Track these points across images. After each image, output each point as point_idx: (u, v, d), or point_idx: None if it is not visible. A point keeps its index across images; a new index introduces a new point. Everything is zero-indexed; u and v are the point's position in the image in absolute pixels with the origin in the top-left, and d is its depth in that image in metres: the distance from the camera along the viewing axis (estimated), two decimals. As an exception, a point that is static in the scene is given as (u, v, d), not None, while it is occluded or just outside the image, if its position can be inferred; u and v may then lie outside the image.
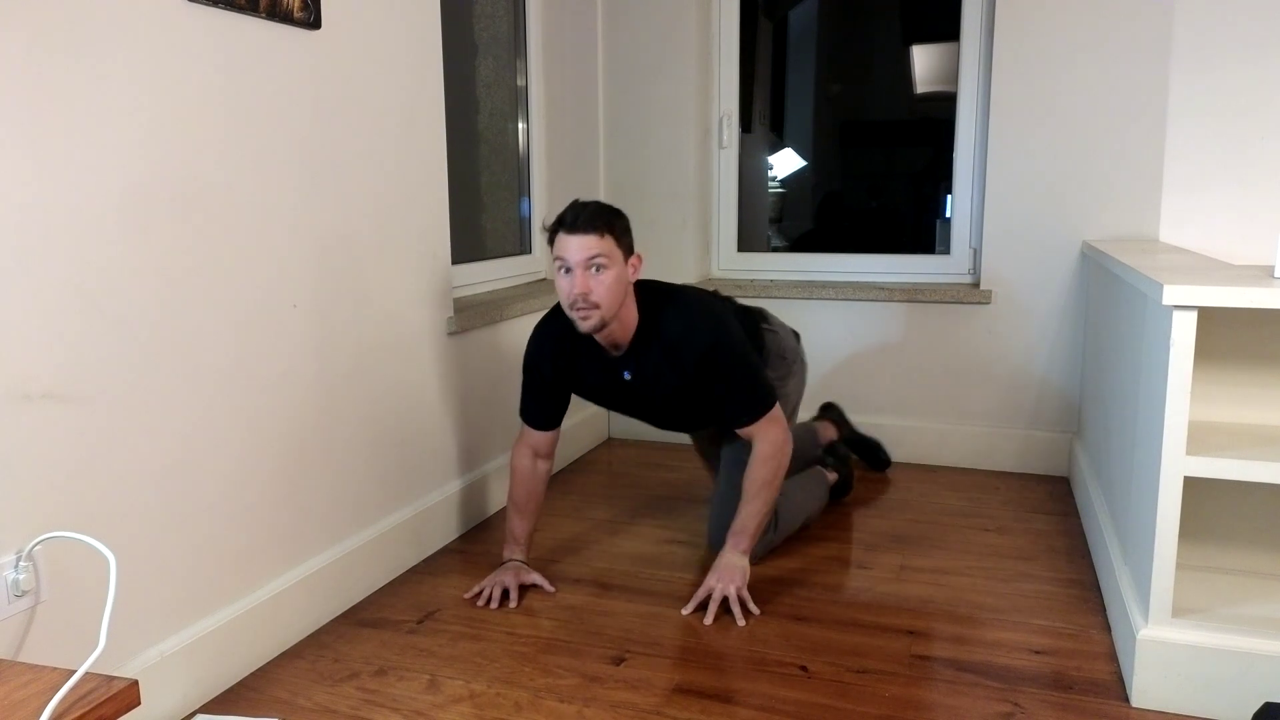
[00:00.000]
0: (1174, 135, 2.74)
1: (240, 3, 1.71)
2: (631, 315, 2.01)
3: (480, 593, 2.13)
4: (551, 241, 1.93)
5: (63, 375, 1.44)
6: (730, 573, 2.05)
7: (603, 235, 1.89)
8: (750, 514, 2.08)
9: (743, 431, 2.10)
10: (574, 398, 2.39)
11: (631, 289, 2.01)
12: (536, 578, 2.17)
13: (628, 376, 2.09)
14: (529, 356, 2.15)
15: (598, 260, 1.88)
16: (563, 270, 1.91)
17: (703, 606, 2.05)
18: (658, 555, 2.38)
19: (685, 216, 3.28)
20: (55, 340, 1.42)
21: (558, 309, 2.09)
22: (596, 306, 1.90)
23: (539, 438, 2.21)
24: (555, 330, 2.10)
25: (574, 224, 1.89)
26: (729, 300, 2.34)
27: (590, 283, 1.88)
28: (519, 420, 2.24)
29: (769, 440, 2.07)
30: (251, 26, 1.76)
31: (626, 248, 1.95)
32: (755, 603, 2.08)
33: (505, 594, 2.12)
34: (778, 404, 2.10)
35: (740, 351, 2.05)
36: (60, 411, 1.44)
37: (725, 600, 2.04)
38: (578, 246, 1.88)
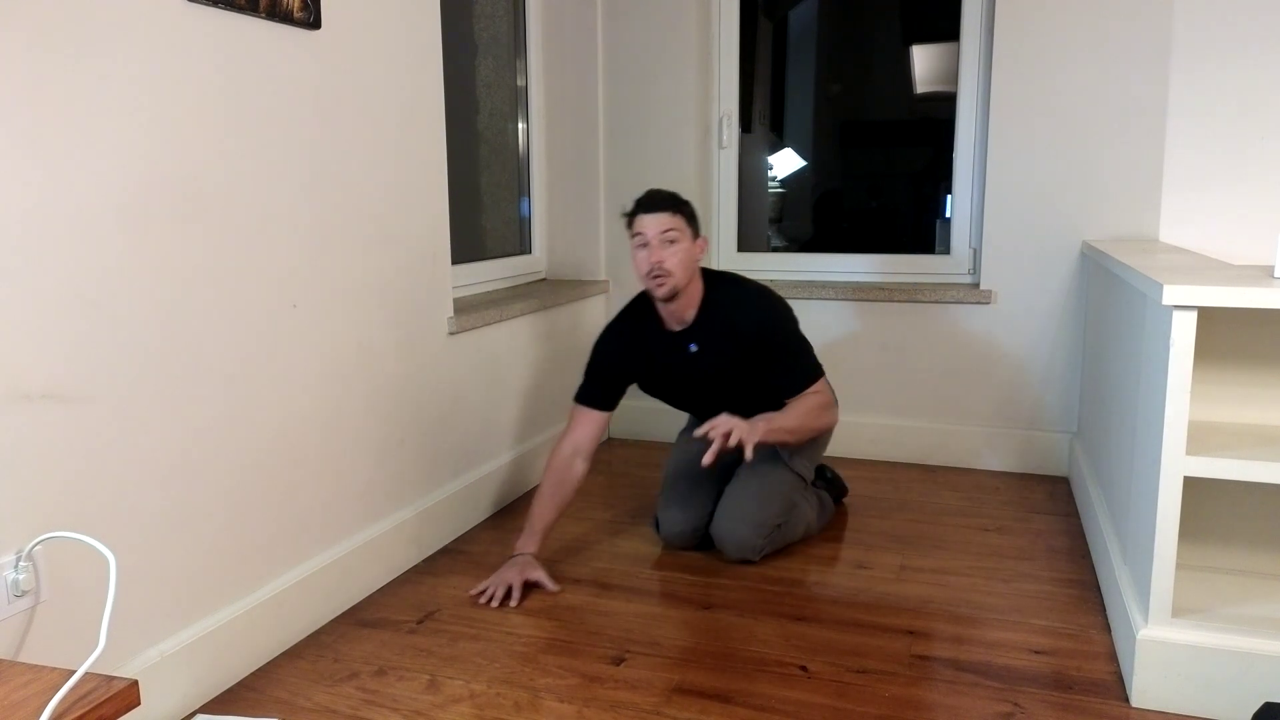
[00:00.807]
0: (1174, 135, 2.74)
1: (240, 3, 1.71)
2: (697, 291, 2.26)
3: (484, 590, 2.14)
4: (630, 224, 2.21)
5: (63, 375, 1.44)
6: (749, 423, 2.13)
7: (674, 214, 2.18)
8: (783, 420, 2.21)
9: (797, 399, 2.29)
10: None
11: (698, 269, 2.25)
12: (541, 575, 2.18)
13: (693, 349, 2.29)
14: (601, 340, 2.38)
15: (670, 234, 2.16)
16: (641, 246, 2.18)
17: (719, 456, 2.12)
18: (658, 555, 2.38)
19: (685, 216, 3.28)
20: (56, 340, 1.43)
21: (629, 304, 2.38)
22: (670, 274, 2.16)
23: (584, 427, 2.32)
24: (631, 313, 2.37)
25: (650, 205, 2.19)
26: None
27: (664, 253, 2.15)
28: (568, 407, 2.42)
29: (822, 399, 2.30)
30: (251, 26, 1.76)
31: (694, 230, 2.22)
32: (755, 602, 2.09)
33: (509, 593, 2.12)
34: (824, 380, 2.32)
35: (791, 329, 2.31)
36: (61, 411, 1.44)
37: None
38: (653, 223, 2.16)
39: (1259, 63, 2.65)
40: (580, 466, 2.30)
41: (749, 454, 2.09)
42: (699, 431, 2.11)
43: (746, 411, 2.32)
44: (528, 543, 2.25)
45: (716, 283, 2.30)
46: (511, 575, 2.15)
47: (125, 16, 1.50)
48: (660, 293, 2.18)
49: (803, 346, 2.32)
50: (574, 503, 2.76)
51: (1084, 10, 2.75)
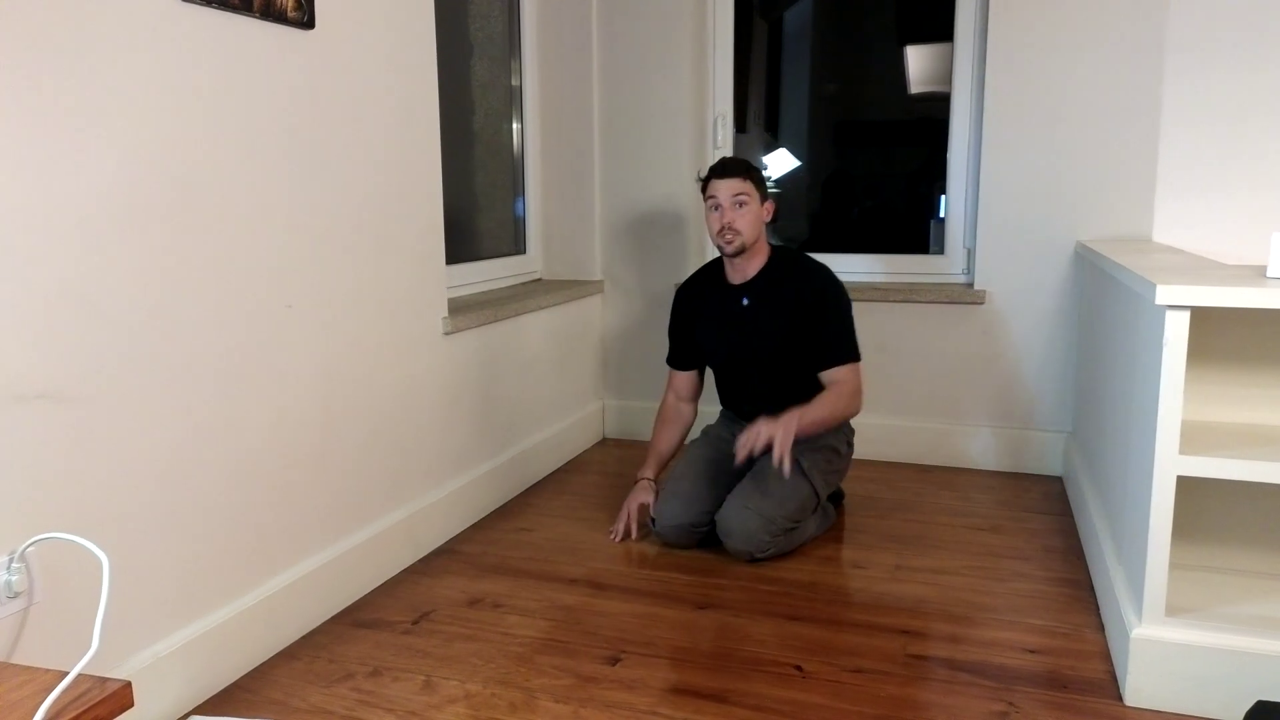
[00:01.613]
0: (1168, 136, 2.75)
1: (234, 2, 1.71)
2: (763, 252, 2.47)
3: (613, 530, 2.49)
4: (704, 187, 2.42)
5: (56, 376, 1.44)
6: (784, 423, 2.22)
7: (745, 179, 2.37)
8: (814, 410, 2.30)
9: (830, 373, 2.40)
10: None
11: (764, 231, 2.45)
12: (649, 497, 2.50)
13: (745, 302, 2.46)
14: (675, 301, 2.63)
15: (741, 197, 2.36)
16: (714, 208, 2.39)
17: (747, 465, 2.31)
18: (653, 555, 2.38)
19: (680, 216, 3.28)
20: (49, 341, 1.42)
21: (702, 265, 2.61)
22: (739, 232, 2.37)
23: (677, 386, 2.64)
24: (701, 271, 2.60)
25: (724, 170, 2.38)
26: None
27: (734, 215, 2.36)
28: (664, 370, 2.73)
29: (853, 384, 2.39)
30: (245, 26, 1.75)
31: (763, 194, 2.42)
32: (751, 602, 2.09)
33: (628, 531, 2.48)
34: (859, 366, 2.43)
35: (847, 309, 2.43)
36: (54, 412, 1.44)
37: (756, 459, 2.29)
38: (726, 187, 2.36)
39: (1252, 64, 2.66)
40: (687, 409, 2.64)
41: (785, 461, 2.16)
42: (740, 456, 2.21)
43: (781, 381, 2.44)
44: (646, 469, 2.58)
45: (785, 252, 2.49)
46: (627, 504, 2.51)
47: (117, 16, 1.50)
48: (729, 249, 2.39)
49: (851, 328, 2.44)
50: (568, 503, 2.77)
51: (1078, 11, 2.75)
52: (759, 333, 2.43)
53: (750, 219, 2.37)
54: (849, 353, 2.41)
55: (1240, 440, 1.72)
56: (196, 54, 1.65)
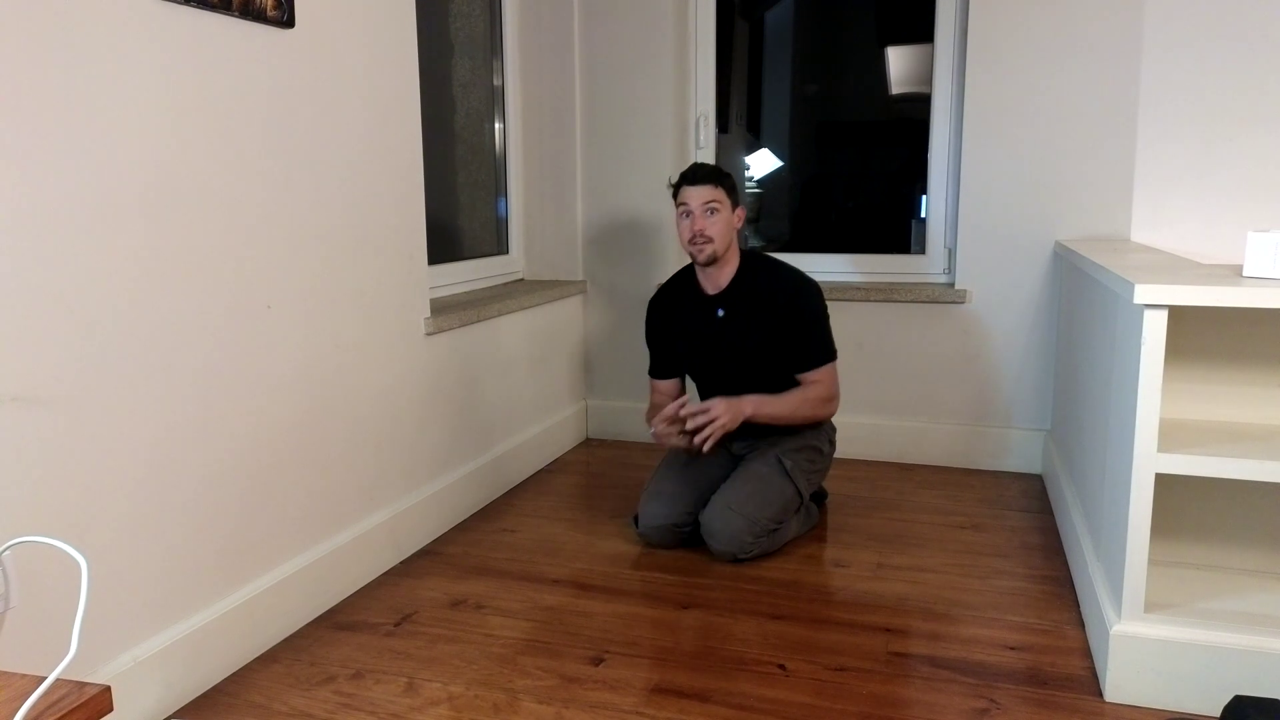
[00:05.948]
0: (1145, 136, 2.77)
1: (213, 1, 1.70)
2: (734, 260, 2.45)
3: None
4: (675, 194, 2.40)
5: (33, 377, 1.42)
6: (734, 409, 2.29)
7: (716, 186, 2.35)
8: (777, 404, 2.36)
9: (806, 376, 2.41)
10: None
11: (736, 238, 2.44)
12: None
13: (721, 314, 2.45)
14: (648, 315, 2.61)
15: (712, 204, 2.34)
16: (684, 215, 2.37)
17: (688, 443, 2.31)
18: (636, 555, 2.38)
19: (662, 217, 3.28)
20: (25, 342, 1.41)
21: (676, 273, 2.59)
22: (710, 240, 2.35)
23: (663, 389, 2.61)
24: (674, 280, 2.58)
25: (694, 178, 2.37)
26: None
27: (705, 222, 2.34)
28: (646, 381, 2.69)
29: (828, 386, 2.41)
30: (224, 25, 1.74)
31: (734, 201, 2.40)
32: (733, 602, 2.10)
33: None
34: (834, 366, 2.44)
35: (821, 309, 2.43)
36: (31, 414, 1.42)
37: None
38: (697, 194, 2.35)
39: (1226, 65, 2.69)
40: None
41: (709, 441, 2.24)
42: (690, 425, 2.25)
43: (761, 387, 2.41)
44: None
45: (755, 257, 2.47)
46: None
47: (95, 15, 1.48)
48: (701, 257, 2.38)
49: (826, 328, 2.43)
50: (551, 503, 2.76)
51: (1056, 13, 2.78)
52: (737, 343, 2.42)
53: (721, 226, 2.34)
54: (824, 354, 2.41)
55: (1218, 438, 1.73)
56: (175, 53, 1.64)
